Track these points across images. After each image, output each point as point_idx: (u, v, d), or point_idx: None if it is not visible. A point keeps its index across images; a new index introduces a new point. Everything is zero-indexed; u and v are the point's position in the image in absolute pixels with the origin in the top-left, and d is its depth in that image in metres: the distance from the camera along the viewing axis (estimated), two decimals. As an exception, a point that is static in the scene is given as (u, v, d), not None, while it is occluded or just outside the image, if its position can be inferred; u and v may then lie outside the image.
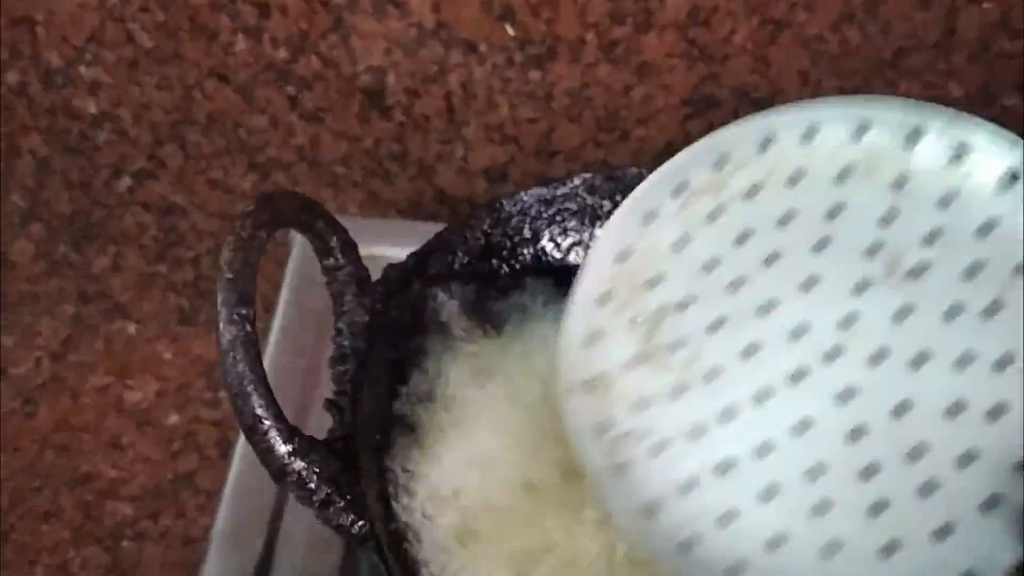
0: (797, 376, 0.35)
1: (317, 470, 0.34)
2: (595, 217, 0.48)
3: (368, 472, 0.38)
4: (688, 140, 0.62)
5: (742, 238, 0.38)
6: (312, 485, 0.34)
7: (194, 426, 0.68)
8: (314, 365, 0.52)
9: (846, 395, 0.35)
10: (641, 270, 0.38)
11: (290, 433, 0.33)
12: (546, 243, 0.48)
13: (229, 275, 0.33)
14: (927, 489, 0.33)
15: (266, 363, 0.53)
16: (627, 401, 0.37)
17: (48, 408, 0.68)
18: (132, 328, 0.73)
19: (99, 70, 0.60)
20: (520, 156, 0.62)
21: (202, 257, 0.70)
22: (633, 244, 0.39)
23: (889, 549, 0.33)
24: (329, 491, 0.34)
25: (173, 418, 0.69)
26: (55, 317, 0.73)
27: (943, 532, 0.33)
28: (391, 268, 0.43)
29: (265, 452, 0.33)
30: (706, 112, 0.60)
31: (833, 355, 0.35)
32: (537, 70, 0.58)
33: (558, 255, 0.48)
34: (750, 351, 0.36)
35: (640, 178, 0.48)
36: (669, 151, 0.41)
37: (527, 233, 0.48)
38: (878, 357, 0.35)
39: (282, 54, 0.58)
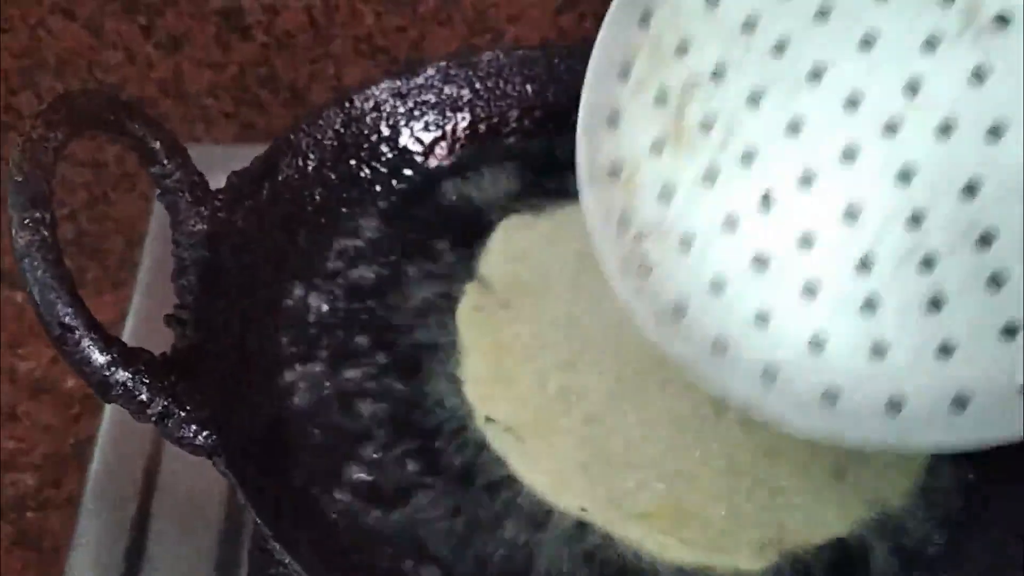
0: (849, 154, 0.31)
1: (146, 380, 0.32)
2: (455, 108, 0.46)
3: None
4: (561, 35, 0.61)
5: None
6: (143, 397, 0.32)
7: (93, 388, 0.65)
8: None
9: (906, 174, 0.30)
10: (667, 33, 0.33)
11: (107, 342, 0.31)
12: (407, 140, 0.45)
13: (18, 178, 0.30)
14: (994, 282, 0.29)
15: (136, 299, 0.52)
16: (652, 190, 0.32)
17: (-64, 385, 0.65)
18: (19, 296, 0.69)
19: (-65, 18, 0.57)
20: (394, 68, 0.60)
21: (78, 212, 0.66)
22: (655, 2, 0.33)
23: (946, 350, 0.30)
24: (166, 403, 0.32)
25: (70, 383, 0.66)
26: (-64, 292, 0.70)
27: (1012, 331, 0.29)
28: (235, 175, 0.40)
29: (81, 364, 0.30)
30: (578, 4, 0.58)
31: (893, 127, 0.30)
32: (396, -29, 0.55)
33: (421, 151, 0.45)
34: (795, 126, 0.31)
35: (496, 61, 0.46)
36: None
37: (385, 131, 0.45)
38: (946, 128, 0.30)
39: (124, -21, 0.55)
